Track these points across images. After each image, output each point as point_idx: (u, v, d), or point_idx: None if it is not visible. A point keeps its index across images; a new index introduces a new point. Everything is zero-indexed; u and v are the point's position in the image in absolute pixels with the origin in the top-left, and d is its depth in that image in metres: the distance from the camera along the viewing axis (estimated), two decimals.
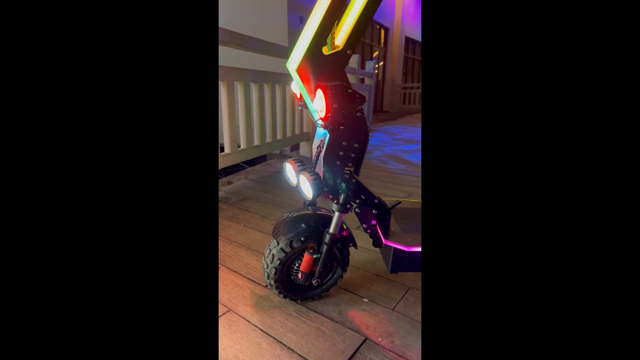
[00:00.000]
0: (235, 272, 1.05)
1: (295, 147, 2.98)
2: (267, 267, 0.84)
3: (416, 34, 9.82)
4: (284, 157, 2.79)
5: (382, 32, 8.52)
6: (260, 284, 0.98)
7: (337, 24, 0.63)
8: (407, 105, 9.03)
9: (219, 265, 1.09)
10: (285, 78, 2.30)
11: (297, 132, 2.60)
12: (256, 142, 2.11)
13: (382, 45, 8.60)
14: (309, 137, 2.75)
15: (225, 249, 1.20)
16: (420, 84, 9.06)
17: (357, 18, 0.61)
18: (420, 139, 3.98)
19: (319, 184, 0.71)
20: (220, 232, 1.34)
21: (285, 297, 0.87)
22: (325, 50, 0.64)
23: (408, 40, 9.56)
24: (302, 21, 5.03)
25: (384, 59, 8.82)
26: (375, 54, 8.34)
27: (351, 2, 0.61)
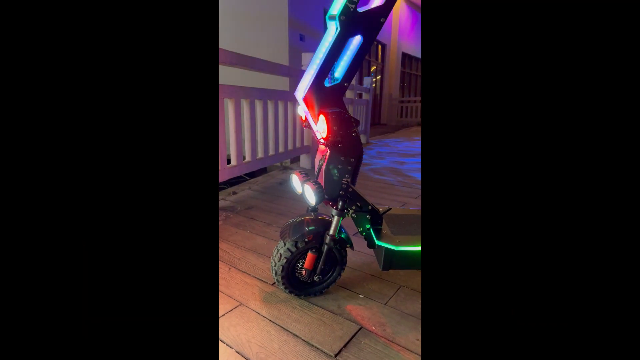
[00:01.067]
0: (245, 272, 1.17)
1: (296, 160, 3.12)
2: (275, 265, 0.96)
3: (412, 50, 10.14)
4: (284, 169, 2.92)
5: (380, 47, 8.81)
6: (267, 283, 1.10)
7: (337, 59, 0.77)
8: (404, 119, 9.25)
9: (230, 267, 1.20)
10: (287, 95, 2.46)
11: (297, 145, 2.74)
12: (260, 154, 2.25)
13: (379, 60, 8.87)
14: (310, 150, 2.90)
15: (234, 253, 1.32)
16: (417, 98, 9.30)
17: (352, 58, 0.75)
18: (417, 151, 4.13)
19: (321, 191, 0.84)
20: (229, 238, 1.46)
21: (290, 292, 0.99)
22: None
23: (405, 55, 9.87)
24: (303, 39, 5.24)
25: (382, 74, 9.08)
26: (373, 68, 8.60)
27: (349, 43, 0.76)
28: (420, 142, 5.04)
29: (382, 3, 0.72)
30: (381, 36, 8.56)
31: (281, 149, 2.48)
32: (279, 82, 3.03)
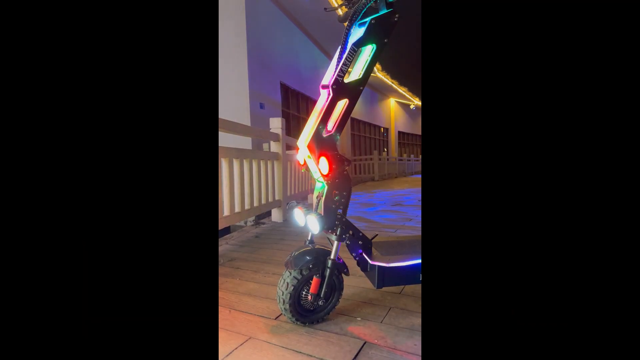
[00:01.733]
0: (246, 312, 1.22)
1: (267, 214, 3.23)
2: (282, 294, 1.05)
3: (360, 115, 11.34)
4: (257, 224, 3.00)
5: None
6: (270, 318, 1.16)
7: (330, 116, 1.01)
8: (358, 175, 9.92)
9: (230, 309, 1.25)
10: (260, 154, 2.67)
11: (270, 199, 2.89)
12: (237, 209, 2.35)
13: None
14: (280, 203, 3.05)
15: (230, 297, 1.36)
16: (367, 156, 10.14)
17: (341, 114, 1.00)
18: (375, 202, 4.47)
19: (322, 221, 1.00)
20: (221, 287, 1.49)
21: (296, 320, 1.07)
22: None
23: (353, 120, 10.97)
24: (263, 107, 5.72)
25: None
26: None
27: (338, 105, 1.01)
28: (376, 193, 5.45)
29: (361, 76, 1.00)
30: None
31: (256, 203, 2.61)
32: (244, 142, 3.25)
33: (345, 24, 1.01)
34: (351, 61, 0.97)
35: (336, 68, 0.97)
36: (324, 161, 0.97)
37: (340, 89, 0.97)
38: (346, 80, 0.98)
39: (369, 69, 1.00)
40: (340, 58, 0.96)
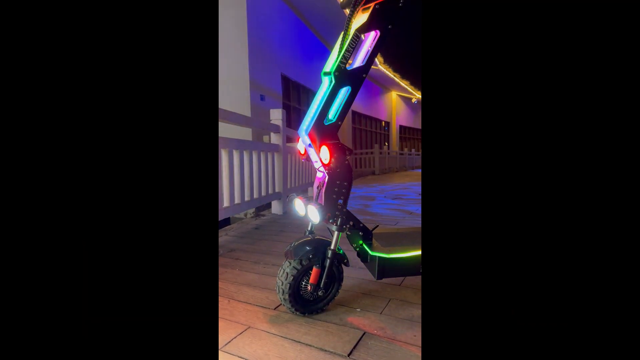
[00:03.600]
0: (245, 302, 1.22)
1: (267, 206, 3.22)
2: (281, 285, 1.04)
3: (361, 108, 11.28)
4: (257, 216, 2.99)
5: None
6: (269, 308, 1.16)
7: (331, 105, 0.99)
8: (359, 169, 9.90)
9: (229, 300, 1.24)
10: (261, 146, 2.65)
11: (270, 191, 2.87)
12: (237, 200, 2.34)
13: None
14: (280, 196, 3.04)
15: (229, 288, 1.36)
16: (368, 150, 10.11)
17: (343, 102, 0.98)
18: (376, 195, 4.46)
19: (322, 211, 0.99)
20: (220, 277, 1.49)
21: (296, 310, 1.07)
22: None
23: (355, 113, 10.91)
24: (263, 99, 5.67)
25: None
26: None
27: (340, 92, 0.98)
28: (377, 187, 5.44)
29: (364, 64, 0.98)
30: None
31: (255, 195, 2.60)
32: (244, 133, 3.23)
33: (347, 10, 0.98)
34: (354, 48, 0.95)
35: (338, 55, 0.94)
36: (325, 150, 0.95)
37: (342, 76, 0.95)
38: (348, 67, 0.96)
39: (372, 56, 0.98)
40: (342, 45, 0.94)
